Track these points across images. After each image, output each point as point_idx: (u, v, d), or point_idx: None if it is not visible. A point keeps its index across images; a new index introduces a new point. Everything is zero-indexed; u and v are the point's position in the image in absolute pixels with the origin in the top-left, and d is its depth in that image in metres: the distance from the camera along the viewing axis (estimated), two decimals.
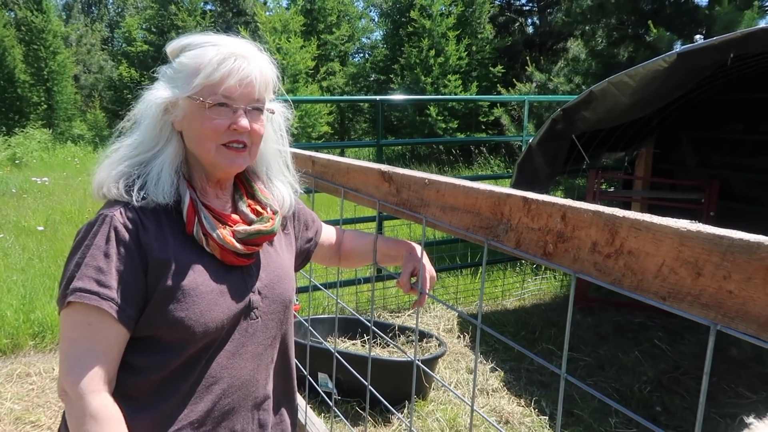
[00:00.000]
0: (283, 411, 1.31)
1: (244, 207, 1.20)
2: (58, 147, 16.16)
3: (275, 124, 1.24)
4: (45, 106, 19.67)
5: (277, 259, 1.26)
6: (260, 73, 1.12)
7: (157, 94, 1.13)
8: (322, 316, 4.01)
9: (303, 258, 1.44)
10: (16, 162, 13.03)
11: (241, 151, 1.14)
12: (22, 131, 15.96)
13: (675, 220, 0.63)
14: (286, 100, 1.27)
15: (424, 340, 3.74)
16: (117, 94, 23.06)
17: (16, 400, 3.45)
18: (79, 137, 18.89)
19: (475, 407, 1.03)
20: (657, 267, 0.64)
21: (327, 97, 15.85)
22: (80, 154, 15.45)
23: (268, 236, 1.19)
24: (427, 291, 1.29)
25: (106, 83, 24.98)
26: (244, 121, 1.11)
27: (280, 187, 1.28)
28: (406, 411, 3.32)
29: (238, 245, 1.12)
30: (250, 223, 1.17)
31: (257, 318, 1.18)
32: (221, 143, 1.11)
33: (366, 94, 17.94)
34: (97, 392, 1.01)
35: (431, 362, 3.45)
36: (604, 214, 0.71)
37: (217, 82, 1.08)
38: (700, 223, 0.60)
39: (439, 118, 14.63)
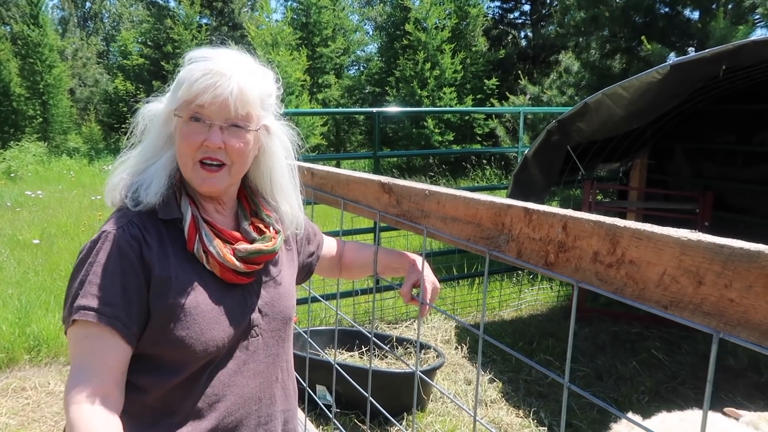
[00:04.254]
0: (286, 429, 1.29)
1: (246, 225, 1.19)
2: (54, 160, 16.10)
3: (282, 142, 1.22)
4: (40, 119, 19.61)
5: (278, 276, 1.25)
6: (239, 89, 1.07)
7: (155, 106, 1.15)
8: (320, 327, 4.00)
9: (306, 272, 1.44)
10: (11, 175, 12.97)
11: (215, 171, 1.10)
12: (17, 144, 15.89)
13: (675, 229, 0.64)
14: (284, 114, 1.27)
15: (423, 351, 3.74)
16: (112, 107, 23.07)
17: (12, 414, 3.42)
18: (74, 150, 18.84)
19: (476, 418, 1.04)
20: (658, 276, 0.65)
21: (324, 109, 15.89)
22: (75, 167, 15.41)
23: (269, 255, 1.18)
24: (430, 302, 1.30)
25: (102, 96, 24.98)
26: (215, 138, 1.07)
27: (286, 206, 1.26)
28: (404, 423, 3.30)
29: (237, 263, 1.11)
30: (251, 241, 1.16)
31: (258, 336, 1.17)
32: (197, 159, 1.10)
33: (361, 107, 17.99)
34: (88, 404, 0.96)
35: (430, 373, 3.44)
36: (605, 224, 0.72)
37: (192, 97, 1.07)
38: (701, 233, 0.61)
39: (437, 130, 14.68)
